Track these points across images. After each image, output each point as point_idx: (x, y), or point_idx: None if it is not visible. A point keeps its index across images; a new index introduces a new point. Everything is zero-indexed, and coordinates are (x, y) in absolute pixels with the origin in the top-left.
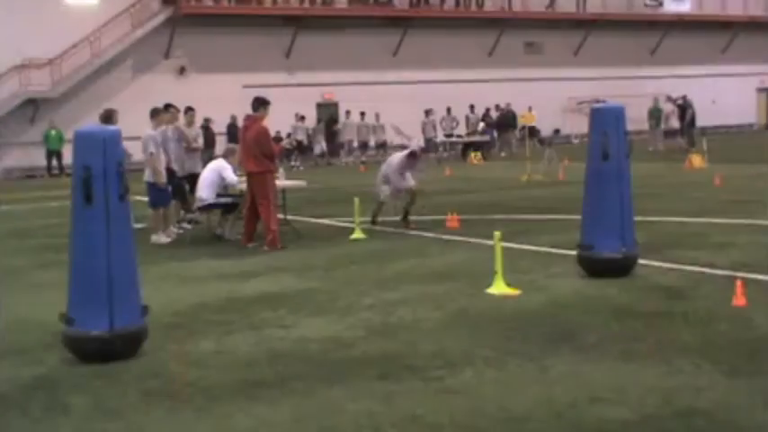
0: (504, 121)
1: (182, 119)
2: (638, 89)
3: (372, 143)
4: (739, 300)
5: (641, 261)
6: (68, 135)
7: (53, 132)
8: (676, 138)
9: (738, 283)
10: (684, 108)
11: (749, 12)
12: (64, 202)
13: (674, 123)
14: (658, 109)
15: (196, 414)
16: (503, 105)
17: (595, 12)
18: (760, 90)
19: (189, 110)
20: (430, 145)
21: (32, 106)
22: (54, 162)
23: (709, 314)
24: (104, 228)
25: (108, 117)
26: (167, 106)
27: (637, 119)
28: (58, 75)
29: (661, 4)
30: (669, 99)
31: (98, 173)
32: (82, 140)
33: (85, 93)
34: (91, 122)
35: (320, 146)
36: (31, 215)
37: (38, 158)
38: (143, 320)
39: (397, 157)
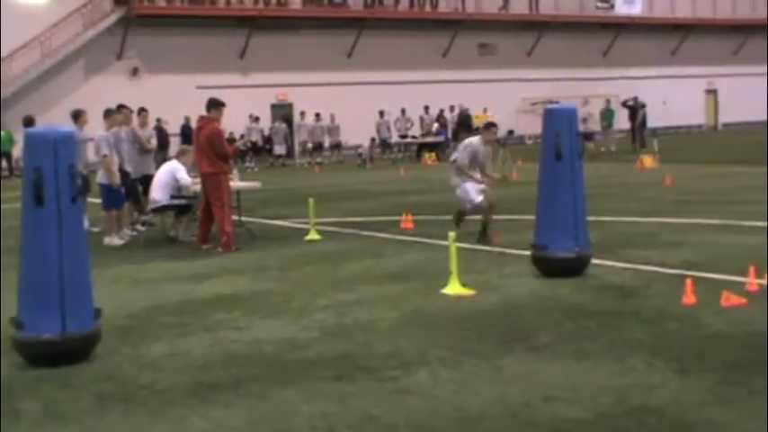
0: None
1: (135, 120)
2: (590, 90)
3: (327, 144)
4: (689, 298)
5: (594, 261)
6: (18, 136)
7: (2, 133)
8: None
9: (688, 281)
10: (635, 109)
11: (698, 14)
12: (14, 205)
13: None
14: (610, 110)
15: (150, 417)
16: (457, 106)
17: (548, 13)
18: (708, 91)
19: (142, 111)
20: (384, 146)
21: None
22: (4, 163)
23: (660, 313)
24: (56, 230)
25: (76, 117)
26: (120, 107)
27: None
28: (8, 75)
29: (612, 7)
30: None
31: (49, 174)
32: (33, 142)
33: (36, 93)
34: (42, 123)
35: (282, 146)
36: None
37: None
38: (96, 323)
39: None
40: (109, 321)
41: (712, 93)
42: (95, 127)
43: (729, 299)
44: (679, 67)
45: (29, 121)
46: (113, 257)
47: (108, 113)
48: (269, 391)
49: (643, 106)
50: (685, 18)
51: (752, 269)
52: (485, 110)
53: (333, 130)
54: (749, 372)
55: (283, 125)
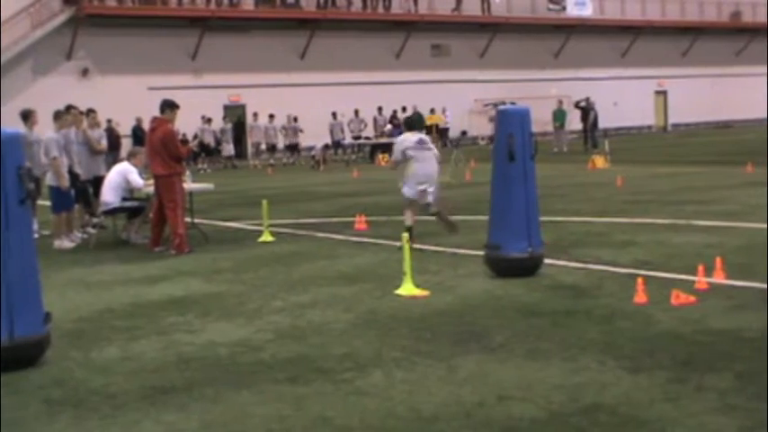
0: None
1: (85, 121)
2: (542, 91)
3: (282, 145)
4: (640, 297)
5: (547, 260)
6: None
7: None
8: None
9: (639, 280)
10: (587, 110)
11: (648, 17)
12: None
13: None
14: (562, 111)
15: (102, 422)
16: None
17: (500, 15)
18: (658, 93)
19: (90, 112)
20: (337, 147)
21: None
22: None
23: (612, 312)
24: (3, 233)
25: (25, 116)
26: (69, 108)
27: (541, 120)
28: None
29: (564, 9)
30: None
31: None
32: None
33: None
34: None
35: (229, 148)
36: None
37: None
38: (45, 328)
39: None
40: (59, 325)
41: (662, 94)
42: (45, 128)
43: (679, 297)
44: (629, 68)
45: (25, 116)
46: (63, 261)
47: (57, 115)
48: (223, 394)
49: (593, 108)
50: (635, 20)
51: (701, 267)
52: (443, 110)
53: (289, 131)
54: (699, 369)
55: (229, 125)
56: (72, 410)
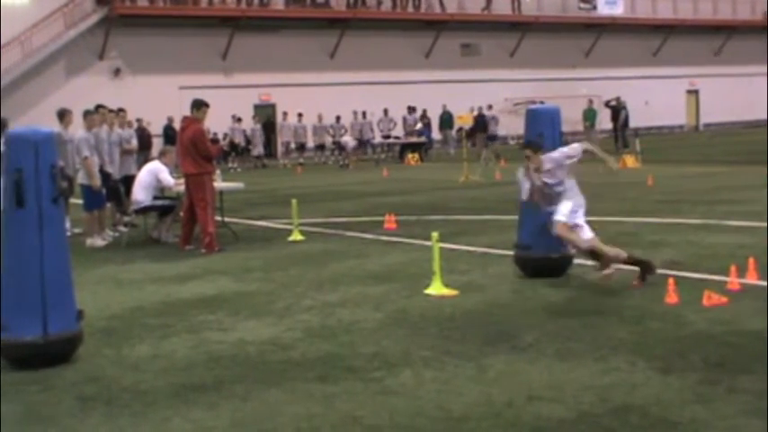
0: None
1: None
2: (572, 90)
3: (311, 144)
4: (671, 297)
5: (577, 261)
6: None
7: None
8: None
9: (670, 281)
10: (618, 109)
11: (679, 15)
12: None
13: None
14: (592, 110)
15: (133, 419)
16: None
17: (531, 14)
18: (689, 92)
19: (120, 111)
20: (365, 145)
21: None
22: None
23: (642, 312)
24: (37, 231)
25: (61, 116)
26: (97, 107)
27: (572, 120)
28: None
29: (595, 8)
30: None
31: (30, 175)
32: (14, 142)
33: (18, 94)
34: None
35: (259, 147)
36: None
37: None
38: (78, 325)
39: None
40: (91, 323)
41: (694, 93)
42: (76, 128)
43: (711, 298)
44: (661, 67)
45: (60, 116)
46: (96, 259)
47: (86, 114)
48: (253, 392)
49: (624, 107)
50: (667, 19)
51: (733, 268)
52: (473, 109)
53: (319, 130)
54: (731, 371)
55: (258, 126)
56: (104, 407)
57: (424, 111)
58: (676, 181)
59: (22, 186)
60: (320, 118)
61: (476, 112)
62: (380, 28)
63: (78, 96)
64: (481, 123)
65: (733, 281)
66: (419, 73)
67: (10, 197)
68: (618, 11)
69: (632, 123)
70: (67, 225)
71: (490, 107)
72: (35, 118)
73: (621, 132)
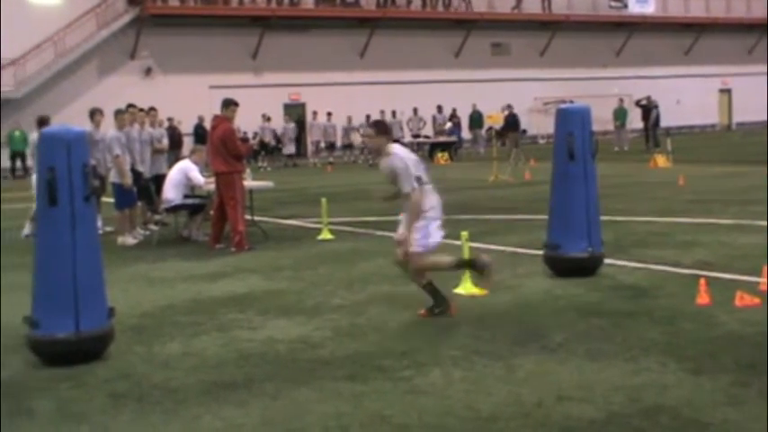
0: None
1: (146, 119)
2: (603, 90)
3: (340, 144)
4: (703, 298)
5: (607, 260)
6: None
7: (17, 133)
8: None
9: (702, 281)
10: (648, 108)
11: (711, 14)
12: (28, 204)
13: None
14: (623, 109)
15: (164, 417)
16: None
17: (561, 13)
18: (722, 91)
19: (151, 110)
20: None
21: None
22: (18, 163)
23: (673, 313)
24: (69, 229)
25: (91, 115)
26: (128, 107)
27: (602, 119)
28: (22, 75)
29: (626, 6)
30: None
31: (63, 174)
32: (47, 141)
33: (50, 93)
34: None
35: (291, 146)
36: None
37: (1, 159)
38: (109, 322)
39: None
40: (122, 320)
41: (726, 92)
42: (108, 127)
43: (743, 299)
44: (693, 66)
45: (42, 121)
46: (126, 257)
47: (117, 113)
48: (282, 391)
49: (656, 106)
50: (699, 17)
51: (765, 269)
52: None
53: (348, 129)
54: (762, 372)
55: (292, 125)
56: (135, 404)
57: (454, 110)
58: (708, 181)
59: (55, 185)
60: (350, 119)
61: (506, 111)
62: (410, 27)
63: (110, 96)
64: (512, 122)
65: (765, 282)
66: (449, 72)
67: (43, 196)
68: (649, 9)
69: (663, 122)
70: (99, 223)
71: (509, 107)
72: (68, 117)
73: (652, 132)
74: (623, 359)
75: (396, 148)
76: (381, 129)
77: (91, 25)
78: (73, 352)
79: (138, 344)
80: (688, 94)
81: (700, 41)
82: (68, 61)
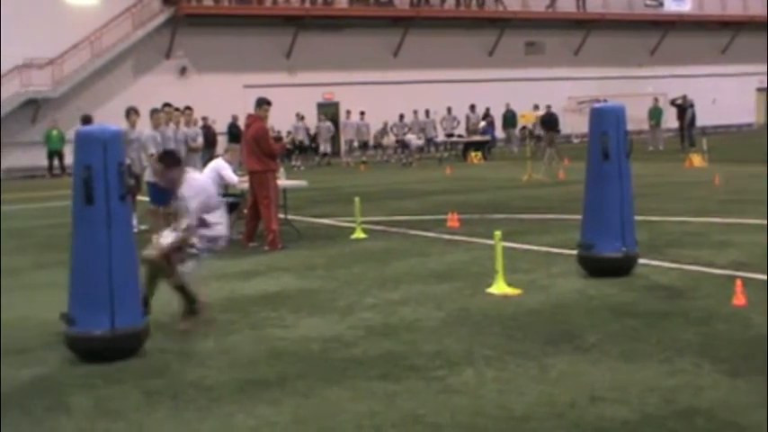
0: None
1: (181, 119)
2: (638, 89)
3: (373, 143)
4: (739, 299)
5: (642, 260)
6: (70, 135)
7: (54, 132)
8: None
9: (738, 282)
10: (684, 108)
11: (749, 12)
12: (65, 202)
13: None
14: (658, 109)
15: (198, 414)
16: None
17: (596, 12)
18: (759, 90)
19: (187, 109)
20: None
21: (34, 106)
22: (55, 162)
23: (709, 314)
24: (105, 228)
25: (127, 114)
26: (164, 106)
27: (637, 118)
28: (60, 75)
29: (661, 4)
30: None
31: (99, 173)
32: (83, 140)
33: (87, 93)
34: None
35: (326, 145)
36: (32, 215)
37: (39, 158)
38: (144, 320)
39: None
40: (157, 318)
41: (763, 91)
42: (143, 126)
43: None
44: (729, 65)
45: (86, 120)
46: None
47: (153, 112)
48: (315, 389)
49: (691, 105)
50: (736, 15)
51: None
52: (536, 107)
53: (381, 128)
54: None
55: (327, 123)
56: (170, 401)
57: (487, 109)
58: (744, 180)
59: (91, 184)
60: (383, 119)
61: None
62: (444, 26)
63: (145, 95)
64: (548, 121)
65: None
66: (482, 71)
67: (79, 194)
68: (685, 7)
69: (699, 122)
70: (134, 222)
71: (537, 107)
72: (104, 116)
73: (688, 131)
74: (657, 360)
75: (192, 179)
76: (171, 161)
77: (127, 25)
78: (108, 349)
79: (173, 341)
80: (724, 93)
81: (737, 40)
82: (104, 61)
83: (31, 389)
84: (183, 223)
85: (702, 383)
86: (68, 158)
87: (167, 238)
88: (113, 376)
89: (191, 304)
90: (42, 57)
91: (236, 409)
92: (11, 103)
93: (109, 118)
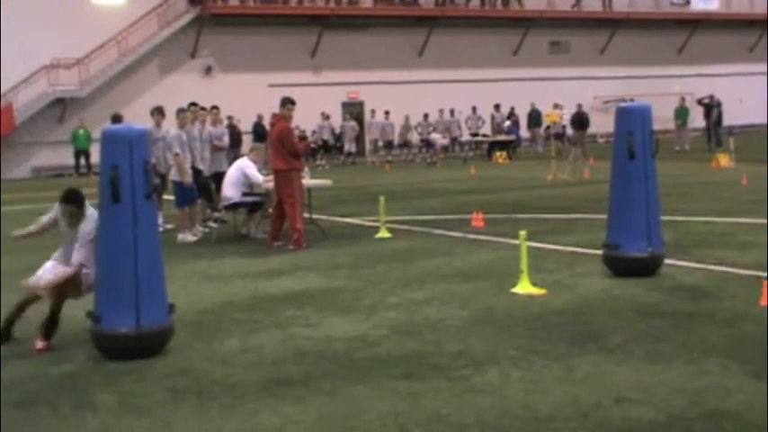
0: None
1: (207, 118)
2: (664, 88)
3: (397, 142)
4: (766, 300)
5: (667, 261)
6: (96, 134)
7: (81, 132)
8: None
9: (765, 283)
10: (711, 107)
11: None
12: (91, 201)
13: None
14: (685, 108)
15: (223, 412)
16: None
17: (622, 10)
18: None
19: (213, 108)
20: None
21: (61, 106)
22: (82, 161)
23: (736, 314)
24: (131, 226)
25: (152, 113)
26: (190, 105)
27: (663, 118)
28: (86, 74)
29: (688, 3)
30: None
31: (125, 172)
32: (109, 140)
33: (113, 92)
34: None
35: (351, 144)
36: None
37: (66, 157)
38: (169, 318)
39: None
40: (182, 317)
41: None
42: (169, 125)
43: None
44: (757, 63)
45: (116, 119)
46: (186, 254)
47: (179, 112)
48: (339, 388)
49: (718, 104)
50: (764, 13)
51: None
52: (559, 106)
53: (406, 128)
54: None
55: (352, 123)
56: (194, 399)
57: (512, 109)
58: None
59: (118, 183)
60: (407, 118)
61: (568, 110)
62: (469, 26)
63: (171, 94)
64: (579, 120)
65: None
66: (507, 71)
67: (106, 193)
68: (713, 6)
69: (726, 121)
70: (160, 221)
71: (556, 106)
72: (130, 115)
73: (715, 131)
74: (683, 361)
75: (92, 215)
76: (78, 200)
77: (153, 25)
78: (134, 347)
79: (198, 340)
80: (752, 93)
81: (764, 38)
82: (131, 60)
83: (59, 386)
84: (76, 257)
85: (729, 385)
86: (95, 157)
87: (50, 271)
88: (138, 374)
89: (53, 326)
90: (69, 57)
91: (260, 408)
92: (39, 102)
93: (135, 117)
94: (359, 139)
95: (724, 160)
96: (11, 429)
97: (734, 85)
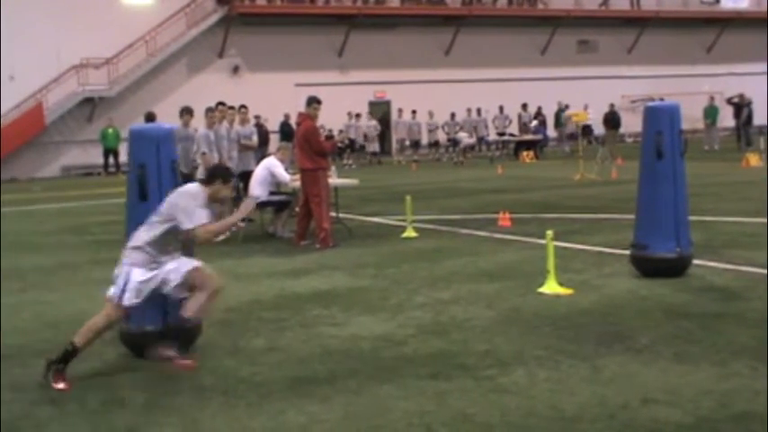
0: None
1: (236, 117)
2: (693, 87)
3: (425, 141)
4: None
5: (696, 261)
6: (125, 133)
7: (110, 131)
8: None
9: None
10: (740, 106)
11: None
12: (120, 200)
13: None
14: (714, 107)
15: (249, 410)
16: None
17: (650, 9)
18: None
19: (242, 107)
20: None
21: (90, 105)
22: (111, 160)
23: (765, 316)
24: None
25: (180, 113)
26: (218, 105)
27: (692, 117)
28: (115, 74)
29: (718, 1)
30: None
31: (152, 170)
32: (136, 139)
33: (142, 91)
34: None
35: (374, 144)
36: (87, 212)
37: (95, 156)
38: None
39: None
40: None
41: None
42: (196, 125)
43: None
44: None
45: (150, 117)
46: (213, 252)
47: (208, 111)
48: (365, 387)
49: (748, 103)
50: None
51: None
52: (585, 107)
53: (433, 127)
54: None
55: (373, 122)
56: (221, 397)
57: (539, 108)
58: None
59: (146, 181)
60: (430, 115)
61: (597, 110)
62: (496, 25)
63: (198, 93)
64: (611, 120)
65: None
66: (534, 70)
67: (134, 191)
68: (743, 4)
69: (756, 120)
70: None
71: (567, 106)
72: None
73: (744, 130)
74: (711, 363)
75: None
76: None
77: (181, 25)
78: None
79: (225, 338)
80: None
81: None
82: (159, 60)
83: (87, 383)
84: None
85: (759, 387)
86: (123, 156)
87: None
88: (166, 372)
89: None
90: (99, 56)
91: (286, 406)
92: (68, 102)
93: (163, 116)
94: (383, 137)
95: (754, 160)
96: (40, 427)
97: (764, 83)
